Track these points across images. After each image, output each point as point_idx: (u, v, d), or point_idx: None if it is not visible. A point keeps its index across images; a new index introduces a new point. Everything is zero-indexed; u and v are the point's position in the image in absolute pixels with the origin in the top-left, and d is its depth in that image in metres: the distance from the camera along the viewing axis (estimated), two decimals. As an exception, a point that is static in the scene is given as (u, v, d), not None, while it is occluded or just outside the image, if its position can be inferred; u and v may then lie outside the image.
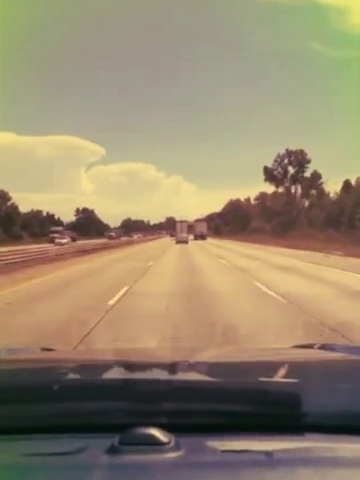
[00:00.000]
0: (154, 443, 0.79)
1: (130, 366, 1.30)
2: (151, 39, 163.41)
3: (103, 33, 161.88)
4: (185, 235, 53.20)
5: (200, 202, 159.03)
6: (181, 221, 72.28)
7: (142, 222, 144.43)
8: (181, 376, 1.16)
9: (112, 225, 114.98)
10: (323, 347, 1.70)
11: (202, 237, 61.66)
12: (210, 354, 1.86)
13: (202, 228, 65.91)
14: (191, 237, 59.42)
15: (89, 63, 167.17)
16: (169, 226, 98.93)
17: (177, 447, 0.79)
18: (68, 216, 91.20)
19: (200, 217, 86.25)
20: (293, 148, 60.65)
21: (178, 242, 47.74)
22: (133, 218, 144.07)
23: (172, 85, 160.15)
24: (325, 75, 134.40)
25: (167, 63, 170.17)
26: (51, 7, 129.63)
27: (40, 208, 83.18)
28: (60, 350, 2.61)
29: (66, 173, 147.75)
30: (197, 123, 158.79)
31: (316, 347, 1.71)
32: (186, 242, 47.96)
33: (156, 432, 0.80)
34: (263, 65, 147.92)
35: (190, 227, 68.13)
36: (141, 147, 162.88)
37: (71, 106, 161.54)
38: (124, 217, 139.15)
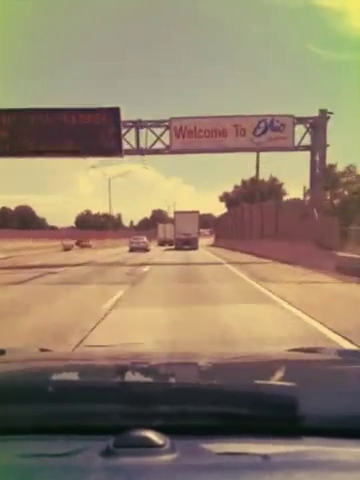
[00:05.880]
0: (149, 445, 0.78)
1: (126, 368, 1.29)
2: (146, 39, 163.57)
3: (93, 29, 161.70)
4: (144, 239, 36.28)
5: (200, 204, 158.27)
6: (163, 222, 53.41)
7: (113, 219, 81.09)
8: (177, 378, 1.15)
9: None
10: (320, 351, 1.71)
11: (189, 243, 36.46)
12: (206, 357, 1.85)
13: (190, 226, 37.95)
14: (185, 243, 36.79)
15: (86, 61, 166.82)
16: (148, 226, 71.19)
17: (172, 449, 0.78)
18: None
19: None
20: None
21: (132, 250, 34.29)
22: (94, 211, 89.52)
23: (169, 85, 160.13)
24: (324, 78, 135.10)
25: (165, 64, 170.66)
26: (35, 6, 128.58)
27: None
28: (57, 351, 2.61)
29: (65, 175, 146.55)
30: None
31: (313, 351, 1.72)
32: (145, 250, 34.13)
33: (151, 434, 0.80)
34: (262, 67, 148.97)
35: (178, 222, 40.09)
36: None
37: (70, 106, 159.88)
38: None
